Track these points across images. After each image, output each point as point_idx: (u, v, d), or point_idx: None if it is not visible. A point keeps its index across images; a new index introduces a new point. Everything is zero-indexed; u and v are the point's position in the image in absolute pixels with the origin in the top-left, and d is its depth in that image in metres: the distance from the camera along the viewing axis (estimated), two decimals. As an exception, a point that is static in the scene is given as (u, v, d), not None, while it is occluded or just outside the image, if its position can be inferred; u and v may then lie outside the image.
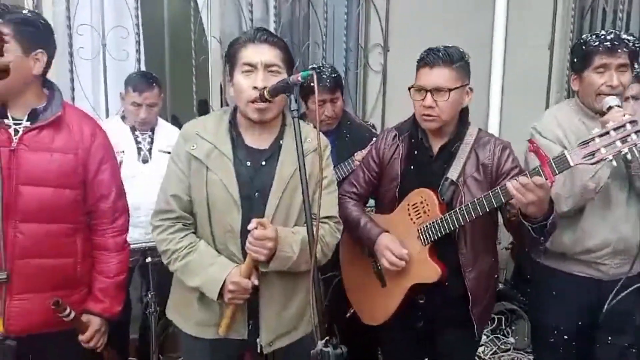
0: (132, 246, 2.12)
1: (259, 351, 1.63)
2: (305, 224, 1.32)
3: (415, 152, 1.91)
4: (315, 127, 1.73)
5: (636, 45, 1.87)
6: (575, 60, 1.98)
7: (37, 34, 1.60)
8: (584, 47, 1.93)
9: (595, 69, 1.88)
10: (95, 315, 1.74)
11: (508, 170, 1.82)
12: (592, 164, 1.58)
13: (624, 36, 1.87)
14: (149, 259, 2.17)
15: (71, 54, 2.86)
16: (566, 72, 3.39)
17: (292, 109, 1.35)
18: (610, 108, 1.79)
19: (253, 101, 1.54)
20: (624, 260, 1.91)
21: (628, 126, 1.54)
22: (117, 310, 1.79)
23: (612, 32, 1.91)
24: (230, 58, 1.61)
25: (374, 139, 2.13)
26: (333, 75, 2.47)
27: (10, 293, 1.59)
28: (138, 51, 2.98)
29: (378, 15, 3.40)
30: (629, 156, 1.59)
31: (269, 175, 1.59)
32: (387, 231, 1.92)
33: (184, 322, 1.70)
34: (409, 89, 1.84)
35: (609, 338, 1.95)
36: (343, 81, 2.67)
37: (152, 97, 2.61)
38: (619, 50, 1.84)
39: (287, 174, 1.58)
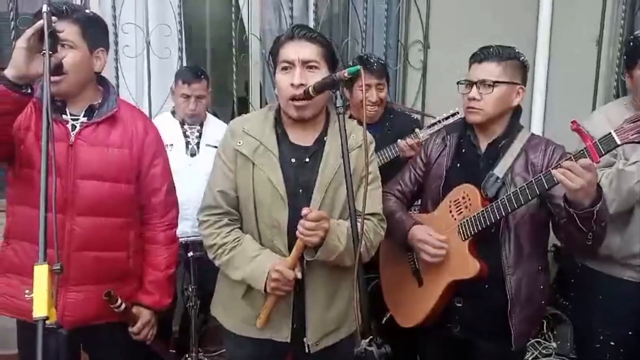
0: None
1: (306, 351, 1.63)
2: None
3: (463, 150, 1.89)
4: (359, 124, 1.72)
5: None
6: (626, 56, 1.91)
7: (100, 33, 1.67)
8: (632, 43, 1.86)
9: None
10: (146, 307, 1.77)
11: None
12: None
13: None
14: (190, 253, 2.20)
15: (116, 52, 2.93)
16: (615, 70, 3.26)
17: (337, 105, 1.34)
18: None
19: (292, 99, 1.54)
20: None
21: None
22: (167, 303, 1.82)
23: None
24: (273, 57, 1.62)
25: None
26: (380, 61, 2.50)
27: (66, 285, 1.63)
28: (180, 49, 3.04)
29: (418, 11, 3.35)
30: None
31: (313, 172, 1.59)
32: (421, 223, 1.88)
33: (228, 319, 1.72)
34: (458, 83, 1.84)
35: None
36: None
37: (200, 88, 2.68)
38: None
39: (331, 170, 1.58)
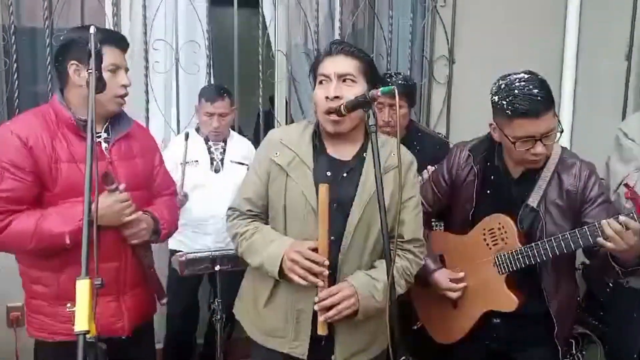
0: (201, 254, 2.20)
1: None
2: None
3: (492, 176, 1.84)
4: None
5: None
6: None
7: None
8: None
9: None
10: (151, 216, 1.81)
11: (594, 198, 1.72)
12: None
13: None
14: (217, 267, 2.22)
15: (147, 68, 2.99)
16: (645, 85, 3.22)
17: (370, 124, 1.35)
18: None
19: (327, 112, 1.55)
20: None
21: None
22: (171, 229, 1.93)
23: None
24: (314, 74, 1.64)
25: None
26: (401, 82, 2.46)
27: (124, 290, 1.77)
28: (209, 65, 3.09)
29: (444, 26, 3.35)
30: None
31: (350, 188, 1.58)
32: (443, 262, 1.91)
33: (252, 327, 1.72)
34: (512, 142, 1.67)
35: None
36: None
37: (223, 107, 2.72)
38: None
39: (371, 188, 1.54)
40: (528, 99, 1.61)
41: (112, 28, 2.88)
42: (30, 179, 1.59)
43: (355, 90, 1.52)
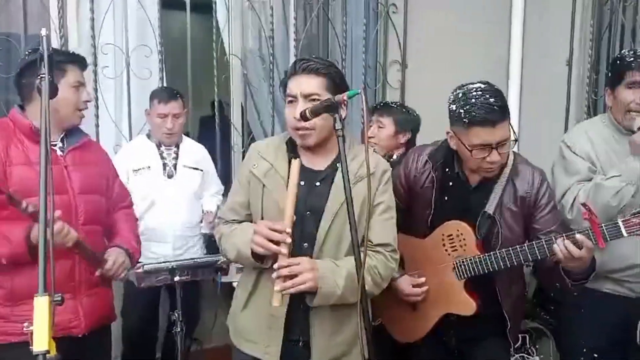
0: (159, 265, 2.16)
1: None
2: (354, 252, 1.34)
3: (451, 183, 1.88)
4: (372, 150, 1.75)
5: None
6: (609, 74, 1.99)
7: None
8: (618, 62, 1.94)
9: (627, 85, 1.88)
10: (119, 247, 1.88)
11: (543, 206, 1.81)
12: None
13: None
14: (177, 278, 2.16)
15: (95, 72, 2.88)
16: (585, 89, 3.39)
17: (336, 128, 1.36)
18: None
19: (297, 129, 1.59)
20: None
21: None
22: (139, 250, 2.01)
23: None
24: (284, 90, 1.67)
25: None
26: (394, 105, 2.67)
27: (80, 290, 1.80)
28: (161, 70, 3.01)
29: (396, 32, 3.42)
30: None
31: (322, 196, 1.61)
32: (402, 264, 1.92)
33: (234, 331, 1.75)
34: (469, 150, 1.71)
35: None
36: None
37: (176, 107, 2.69)
38: None
39: (342, 197, 1.53)
40: (485, 108, 1.65)
41: (56, 31, 2.76)
42: None
43: (323, 120, 1.55)
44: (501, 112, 1.67)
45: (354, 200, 1.40)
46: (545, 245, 1.67)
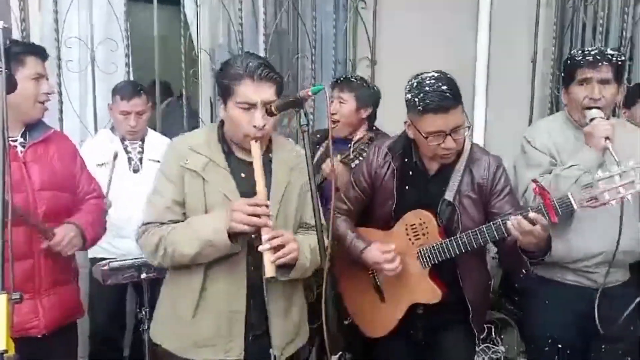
0: (125, 262, 2.12)
1: None
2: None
3: (410, 172, 1.92)
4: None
5: (619, 60, 1.93)
6: (563, 74, 2.05)
7: None
8: (569, 61, 2.00)
9: (579, 82, 1.94)
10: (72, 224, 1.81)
11: (500, 191, 1.87)
12: (594, 207, 1.66)
13: (608, 51, 1.93)
14: (143, 275, 2.14)
15: (59, 66, 2.81)
16: (549, 85, 3.48)
17: (302, 123, 1.37)
18: (593, 119, 1.85)
19: (253, 138, 1.56)
20: (614, 268, 1.95)
21: (632, 172, 1.60)
22: (98, 233, 1.96)
23: (597, 47, 1.98)
24: (225, 87, 1.58)
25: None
26: (346, 77, 2.66)
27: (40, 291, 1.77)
28: (127, 64, 2.96)
29: (365, 28, 3.44)
30: (629, 197, 1.64)
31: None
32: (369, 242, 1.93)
33: (179, 344, 1.64)
34: (425, 137, 1.77)
35: (603, 346, 2.00)
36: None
37: (140, 104, 2.60)
38: (600, 64, 1.89)
39: (282, 184, 1.62)
40: (438, 95, 1.71)
41: (18, 24, 2.68)
42: None
43: (274, 117, 1.56)
44: (454, 98, 1.74)
45: (294, 185, 1.51)
46: (501, 224, 1.72)
